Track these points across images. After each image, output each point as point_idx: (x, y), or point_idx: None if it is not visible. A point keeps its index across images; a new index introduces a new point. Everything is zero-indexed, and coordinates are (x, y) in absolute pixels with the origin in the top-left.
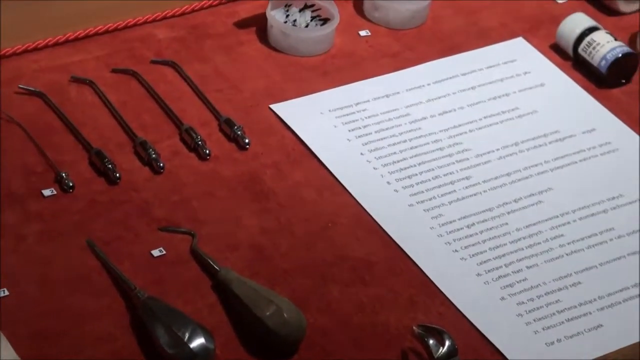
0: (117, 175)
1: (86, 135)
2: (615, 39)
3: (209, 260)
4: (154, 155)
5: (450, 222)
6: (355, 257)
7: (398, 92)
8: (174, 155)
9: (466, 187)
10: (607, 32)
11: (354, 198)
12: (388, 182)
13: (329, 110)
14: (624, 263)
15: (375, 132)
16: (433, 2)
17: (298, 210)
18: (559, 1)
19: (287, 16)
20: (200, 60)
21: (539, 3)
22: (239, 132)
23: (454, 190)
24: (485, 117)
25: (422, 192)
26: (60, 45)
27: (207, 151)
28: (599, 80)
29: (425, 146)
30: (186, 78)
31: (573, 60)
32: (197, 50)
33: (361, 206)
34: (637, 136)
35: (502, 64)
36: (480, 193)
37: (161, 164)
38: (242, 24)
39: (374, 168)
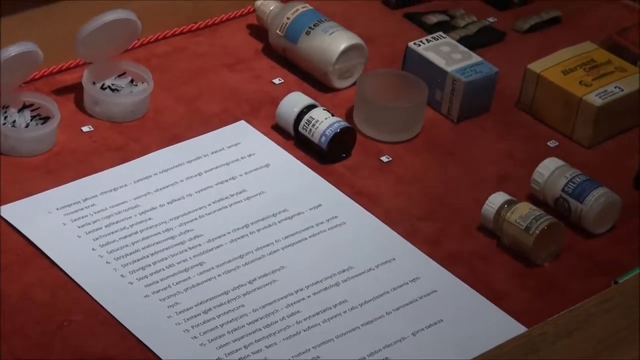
0: None
1: None
2: (333, 115)
3: None
4: None
5: (187, 309)
6: (94, 352)
7: (125, 185)
8: None
9: (200, 273)
10: (324, 109)
11: (89, 294)
12: (122, 275)
13: (57, 209)
14: (359, 333)
15: (106, 226)
16: (153, 93)
17: (31, 312)
18: (276, 82)
19: (6, 118)
20: None
21: (257, 85)
22: None
23: (189, 277)
24: (214, 202)
25: (157, 281)
26: None
27: None
28: (321, 156)
29: (157, 236)
30: None
31: (295, 139)
32: None
33: (96, 302)
34: (361, 208)
35: (226, 148)
36: (215, 277)
37: None
38: None
39: (107, 262)
